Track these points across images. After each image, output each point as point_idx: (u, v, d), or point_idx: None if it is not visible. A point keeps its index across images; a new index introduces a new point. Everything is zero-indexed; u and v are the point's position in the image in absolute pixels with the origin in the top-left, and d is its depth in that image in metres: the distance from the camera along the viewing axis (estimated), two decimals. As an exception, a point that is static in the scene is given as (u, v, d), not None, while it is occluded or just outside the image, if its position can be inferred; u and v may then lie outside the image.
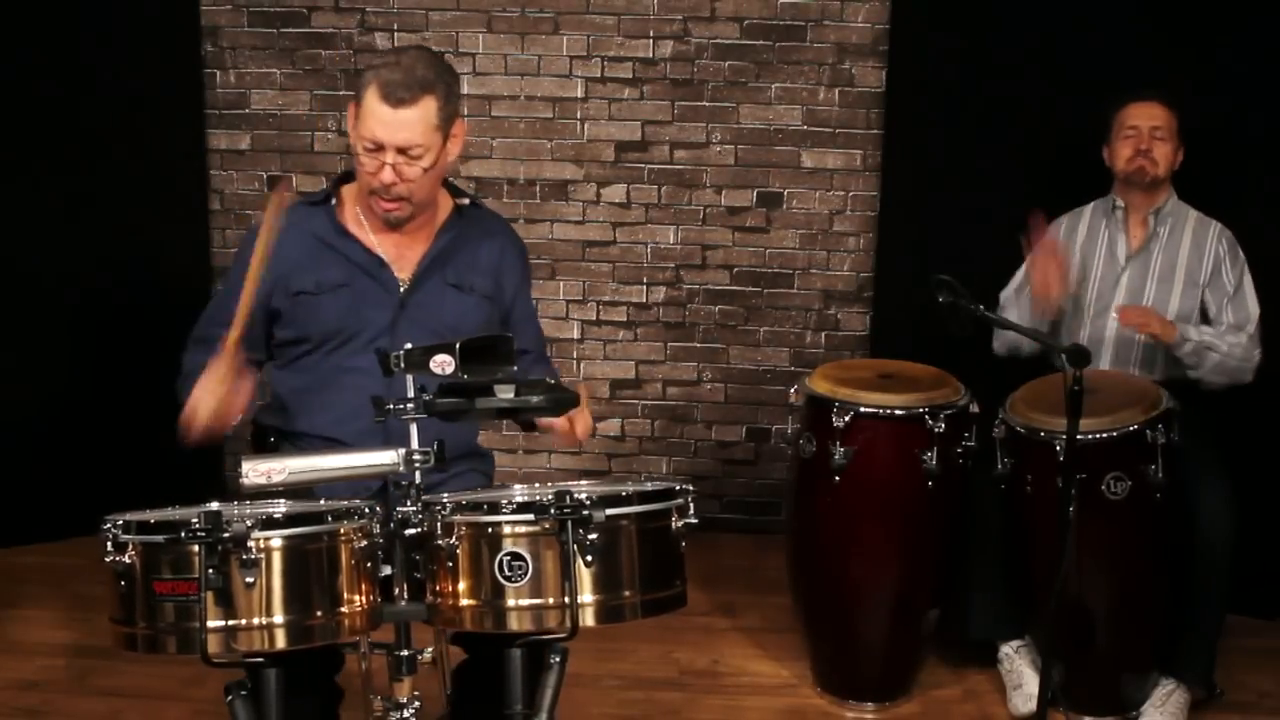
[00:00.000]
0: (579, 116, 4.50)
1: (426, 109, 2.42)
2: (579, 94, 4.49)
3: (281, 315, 2.55)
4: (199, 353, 2.52)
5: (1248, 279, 3.44)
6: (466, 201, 2.66)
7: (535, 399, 2.10)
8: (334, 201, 2.58)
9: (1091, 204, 3.63)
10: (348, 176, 2.62)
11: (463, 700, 2.52)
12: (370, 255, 2.55)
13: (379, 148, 2.42)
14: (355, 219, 2.58)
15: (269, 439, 2.60)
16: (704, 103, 4.46)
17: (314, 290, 2.52)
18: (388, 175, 2.44)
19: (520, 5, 4.44)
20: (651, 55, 4.45)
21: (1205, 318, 3.46)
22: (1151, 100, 3.50)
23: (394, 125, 2.41)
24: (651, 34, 4.44)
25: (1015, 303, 3.59)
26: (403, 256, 2.57)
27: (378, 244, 2.56)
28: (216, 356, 2.36)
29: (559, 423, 2.43)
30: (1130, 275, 3.49)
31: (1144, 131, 3.47)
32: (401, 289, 2.55)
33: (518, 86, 4.50)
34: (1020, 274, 3.64)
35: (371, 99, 2.41)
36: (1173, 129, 3.48)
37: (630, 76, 4.47)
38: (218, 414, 2.32)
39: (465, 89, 4.48)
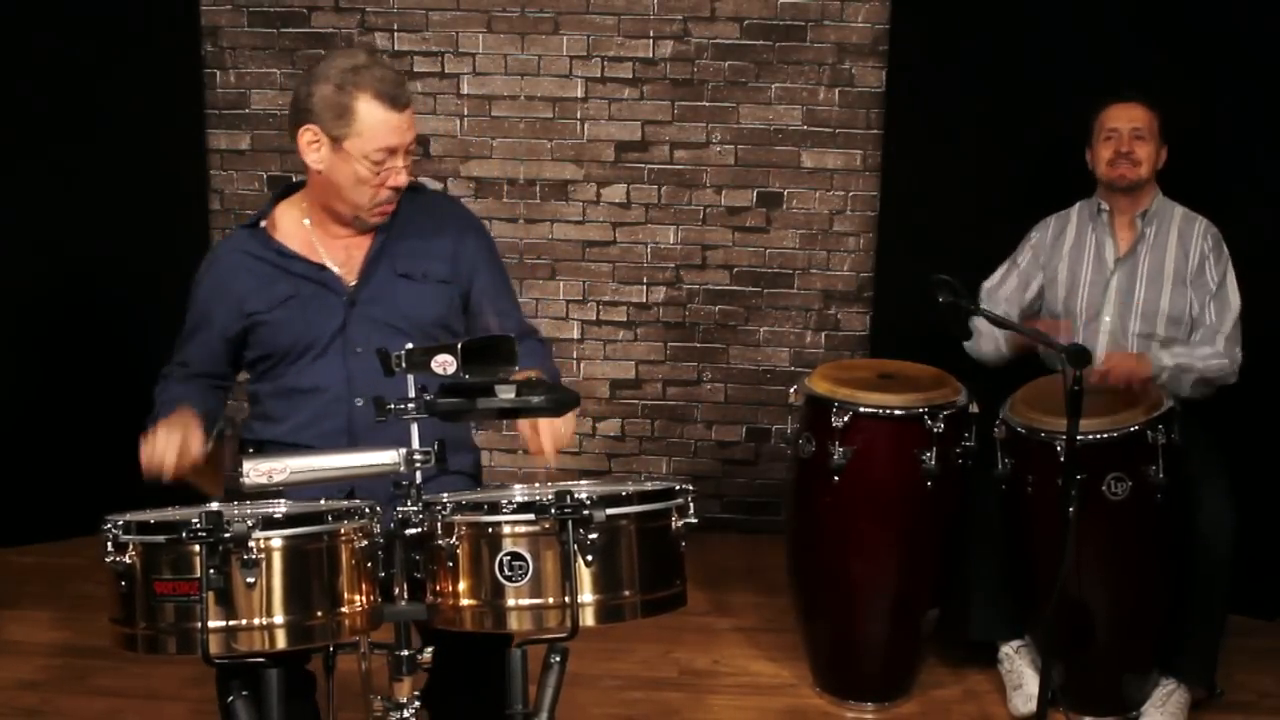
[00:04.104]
0: (579, 116, 4.50)
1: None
2: (579, 94, 4.49)
3: (245, 338, 2.55)
4: (167, 387, 2.55)
5: (1231, 276, 3.41)
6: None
7: (536, 399, 2.10)
8: (263, 224, 2.56)
9: (1077, 205, 3.61)
10: (287, 191, 2.61)
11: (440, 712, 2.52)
12: (312, 265, 2.52)
13: (392, 154, 2.41)
14: (295, 232, 2.55)
15: (248, 450, 2.58)
16: (704, 103, 4.46)
17: (265, 309, 2.51)
18: (405, 178, 2.44)
19: (520, 5, 4.44)
20: (651, 55, 4.45)
21: (1190, 316, 3.44)
22: (1132, 101, 3.47)
23: (404, 126, 2.40)
24: (651, 34, 4.44)
25: (993, 299, 3.58)
26: (350, 257, 2.54)
27: (325, 254, 2.53)
28: (171, 413, 2.37)
29: (527, 433, 2.37)
30: (1119, 279, 3.48)
31: (1124, 134, 3.44)
32: (350, 288, 2.52)
33: (518, 86, 4.50)
34: (1001, 270, 3.64)
35: (376, 110, 2.38)
36: (1154, 129, 3.45)
37: (630, 76, 4.47)
38: (180, 464, 2.29)
39: (465, 89, 4.50)
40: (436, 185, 4.55)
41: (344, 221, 2.52)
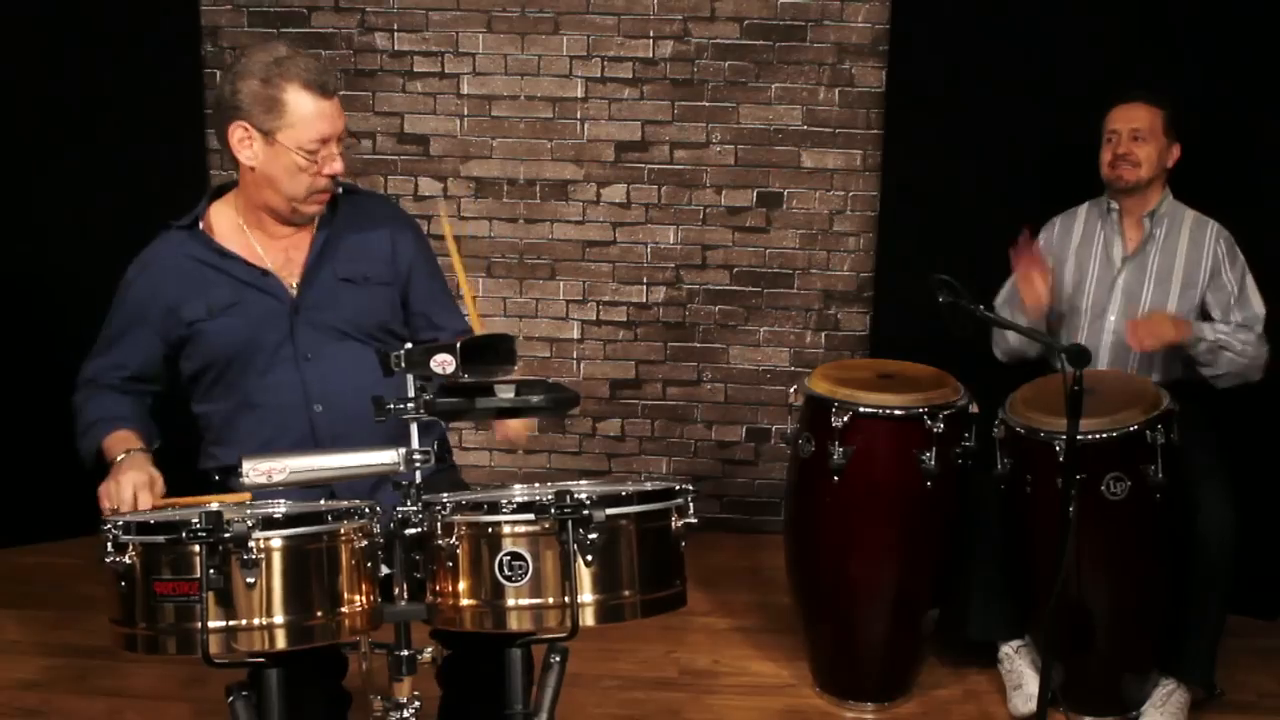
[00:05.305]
0: (579, 116, 4.50)
1: None
2: (579, 94, 4.49)
3: (182, 346, 2.52)
4: (96, 397, 2.49)
5: (1249, 278, 3.44)
6: (339, 189, 2.58)
7: (535, 399, 2.10)
8: (200, 225, 2.54)
9: (1085, 204, 3.63)
10: (218, 192, 2.59)
11: (453, 699, 2.52)
12: (253, 269, 2.50)
13: (325, 143, 2.39)
14: (233, 233, 2.53)
15: (214, 478, 2.55)
16: (704, 103, 4.46)
17: (206, 316, 2.48)
18: (340, 164, 2.42)
19: (520, 5, 4.44)
20: (651, 55, 4.45)
21: (1207, 320, 3.45)
22: (1133, 102, 3.49)
23: (334, 114, 2.40)
24: (651, 34, 4.44)
25: (1005, 312, 3.59)
26: (290, 260, 2.53)
27: (264, 254, 2.52)
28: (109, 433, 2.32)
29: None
30: (1126, 278, 3.49)
31: (1123, 135, 3.46)
32: (293, 294, 2.51)
33: (518, 86, 4.50)
34: (1009, 284, 3.65)
35: (305, 100, 2.37)
36: (1158, 128, 3.46)
37: (630, 76, 4.47)
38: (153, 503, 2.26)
39: (465, 89, 4.50)
40: (436, 185, 4.55)
41: (281, 217, 2.50)
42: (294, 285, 2.51)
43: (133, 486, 2.21)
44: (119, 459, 2.31)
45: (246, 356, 2.48)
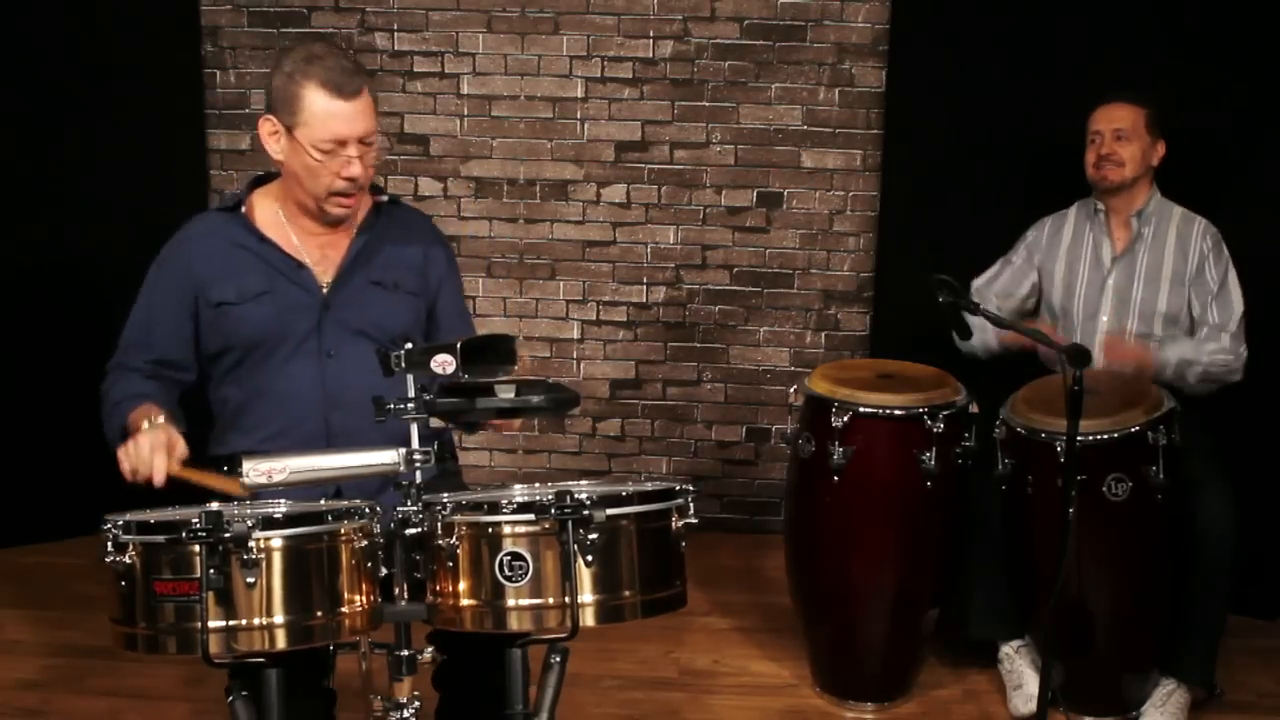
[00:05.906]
0: (579, 116, 4.50)
1: (369, 96, 2.44)
2: (579, 94, 4.49)
3: (206, 326, 2.52)
4: (122, 381, 2.50)
5: (1232, 275, 3.43)
6: (385, 198, 2.63)
7: (535, 399, 2.10)
8: (244, 208, 2.56)
9: (1074, 205, 3.63)
10: (259, 181, 2.61)
11: (449, 703, 2.52)
12: (289, 259, 2.52)
13: (342, 144, 2.41)
14: (273, 222, 2.55)
15: (223, 469, 2.55)
16: (704, 103, 4.46)
17: (235, 300, 2.49)
18: (358, 169, 2.43)
19: (520, 5, 4.44)
20: (651, 55, 4.45)
21: (1190, 316, 3.45)
22: (1116, 101, 3.48)
23: (352, 116, 2.41)
24: (651, 34, 4.44)
25: (983, 296, 3.59)
26: (325, 258, 2.55)
27: (300, 247, 2.53)
28: (134, 409, 2.31)
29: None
30: (1116, 278, 3.49)
31: (1105, 135, 3.46)
32: (324, 291, 2.53)
33: (518, 86, 4.50)
34: (994, 268, 3.65)
35: (320, 99, 2.38)
36: (1140, 127, 3.45)
37: (630, 76, 4.47)
38: (170, 466, 2.24)
39: (465, 89, 4.50)
40: (436, 185, 4.55)
41: (311, 215, 2.52)
42: (326, 283, 2.53)
43: (150, 446, 2.21)
44: (143, 427, 2.30)
45: (271, 345, 2.50)
